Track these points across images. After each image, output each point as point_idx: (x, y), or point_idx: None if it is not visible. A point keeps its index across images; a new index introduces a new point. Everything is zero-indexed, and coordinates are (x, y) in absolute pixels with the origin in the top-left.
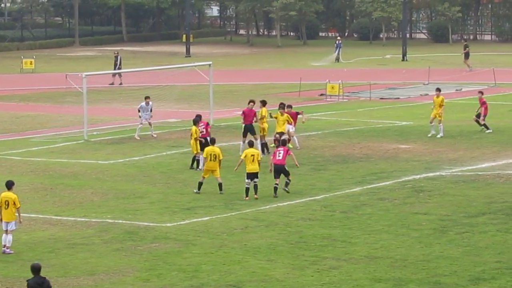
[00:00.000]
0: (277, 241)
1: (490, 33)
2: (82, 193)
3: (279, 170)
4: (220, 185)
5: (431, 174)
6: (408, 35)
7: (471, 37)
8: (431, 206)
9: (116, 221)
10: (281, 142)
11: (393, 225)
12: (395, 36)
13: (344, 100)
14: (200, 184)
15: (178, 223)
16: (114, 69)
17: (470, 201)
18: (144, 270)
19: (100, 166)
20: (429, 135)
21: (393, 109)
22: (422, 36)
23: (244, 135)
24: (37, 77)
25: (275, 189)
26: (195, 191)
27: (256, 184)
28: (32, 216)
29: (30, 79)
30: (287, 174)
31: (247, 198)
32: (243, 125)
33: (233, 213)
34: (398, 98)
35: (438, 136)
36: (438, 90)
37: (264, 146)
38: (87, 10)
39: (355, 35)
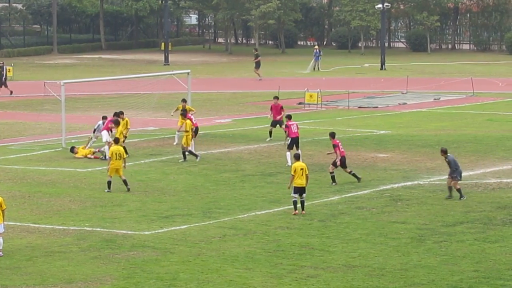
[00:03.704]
0: (255, 250)
1: (468, 42)
2: (60, 201)
3: None
4: (125, 181)
5: (409, 183)
6: (386, 44)
7: (450, 46)
8: (409, 215)
9: (94, 229)
10: None
11: (371, 234)
12: (374, 45)
13: (322, 109)
14: (109, 183)
15: (156, 231)
16: (0, 79)
17: (448, 210)
18: (121, 279)
19: (78, 174)
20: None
21: (371, 118)
22: (401, 45)
23: (290, 147)
24: (15, 85)
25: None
26: (106, 190)
27: (303, 200)
28: (10, 224)
29: (8, 87)
30: None
31: (296, 212)
32: (290, 138)
33: (211, 222)
34: (377, 107)
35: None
36: (184, 100)
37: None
38: (65, 18)
39: (334, 44)
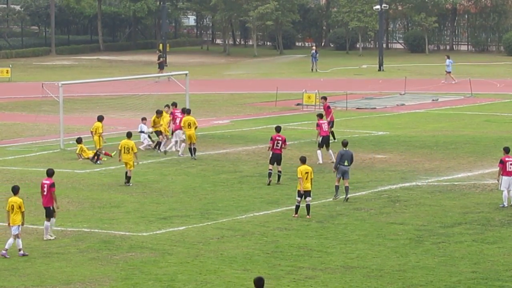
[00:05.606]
0: (253, 251)
1: (466, 43)
2: (58, 202)
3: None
4: (129, 178)
5: (407, 184)
6: (384, 45)
7: (448, 47)
8: (407, 216)
9: (92, 230)
10: None
11: (369, 235)
12: (372, 46)
13: (321, 110)
14: (127, 173)
15: (154, 232)
16: None
17: (446, 211)
18: (120, 280)
19: (76, 175)
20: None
21: (369, 119)
22: (399, 46)
23: (321, 146)
24: (13, 86)
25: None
26: (128, 184)
27: (309, 204)
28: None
29: (6, 88)
30: None
31: (296, 215)
32: (321, 137)
33: (209, 223)
34: (375, 108)
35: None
36: (167, 106)
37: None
38: (63, 19)
39: (332, 45)
